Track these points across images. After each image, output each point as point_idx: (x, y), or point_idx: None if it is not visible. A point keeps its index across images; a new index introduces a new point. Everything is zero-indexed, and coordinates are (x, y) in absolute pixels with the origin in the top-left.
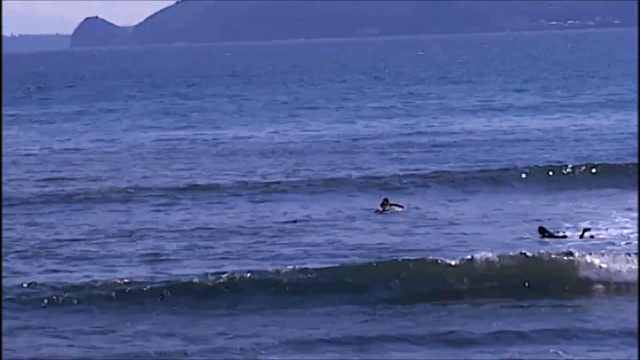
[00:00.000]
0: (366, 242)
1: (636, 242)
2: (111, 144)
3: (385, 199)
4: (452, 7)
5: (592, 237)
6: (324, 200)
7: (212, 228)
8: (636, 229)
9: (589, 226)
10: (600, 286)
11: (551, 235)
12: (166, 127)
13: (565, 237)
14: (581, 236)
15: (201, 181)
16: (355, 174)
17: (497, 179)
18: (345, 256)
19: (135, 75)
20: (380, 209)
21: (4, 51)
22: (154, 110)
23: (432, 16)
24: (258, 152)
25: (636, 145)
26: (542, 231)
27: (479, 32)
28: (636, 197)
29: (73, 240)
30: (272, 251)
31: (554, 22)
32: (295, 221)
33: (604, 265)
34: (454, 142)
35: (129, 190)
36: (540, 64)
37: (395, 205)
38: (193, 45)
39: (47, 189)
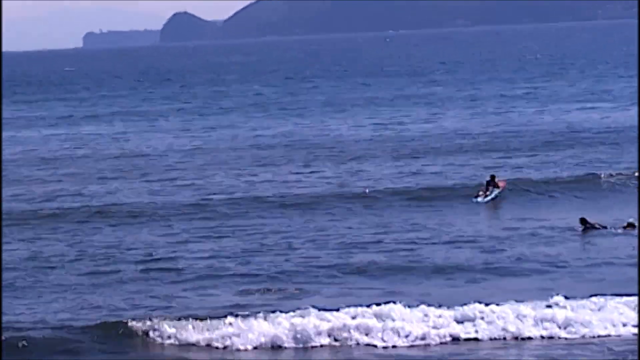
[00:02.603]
0: None
1: None
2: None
3: (492, 176)
4: None
5: (633, 226)
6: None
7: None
8: None
9: (633, 221)
10: None
11: (592, 227)
12: None
13: (605, 227)
14: (625, 227)
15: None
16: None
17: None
18: None
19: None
20: (481, 193)
21: (95, 47)
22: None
23: (523, 6)
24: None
25: None
26: (584, 222)
27: (571, 21)
28: None
29: None
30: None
31: None
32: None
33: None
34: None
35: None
36: None
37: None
38: (285, 39)
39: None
